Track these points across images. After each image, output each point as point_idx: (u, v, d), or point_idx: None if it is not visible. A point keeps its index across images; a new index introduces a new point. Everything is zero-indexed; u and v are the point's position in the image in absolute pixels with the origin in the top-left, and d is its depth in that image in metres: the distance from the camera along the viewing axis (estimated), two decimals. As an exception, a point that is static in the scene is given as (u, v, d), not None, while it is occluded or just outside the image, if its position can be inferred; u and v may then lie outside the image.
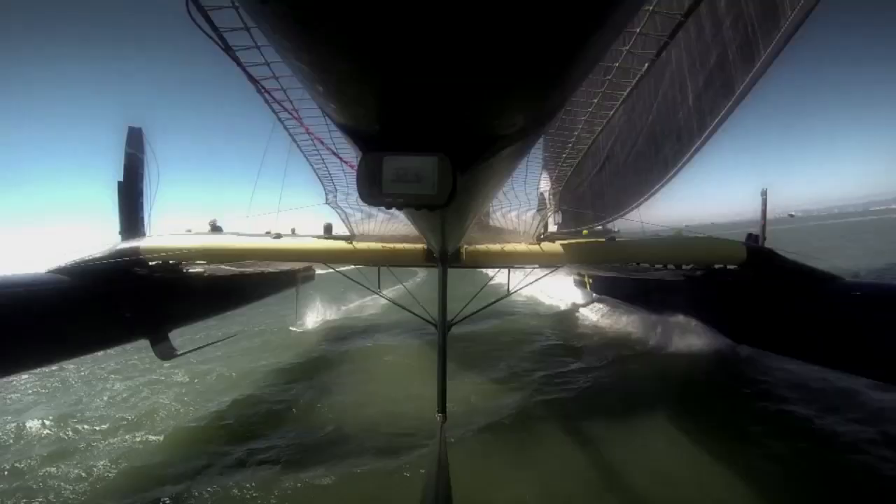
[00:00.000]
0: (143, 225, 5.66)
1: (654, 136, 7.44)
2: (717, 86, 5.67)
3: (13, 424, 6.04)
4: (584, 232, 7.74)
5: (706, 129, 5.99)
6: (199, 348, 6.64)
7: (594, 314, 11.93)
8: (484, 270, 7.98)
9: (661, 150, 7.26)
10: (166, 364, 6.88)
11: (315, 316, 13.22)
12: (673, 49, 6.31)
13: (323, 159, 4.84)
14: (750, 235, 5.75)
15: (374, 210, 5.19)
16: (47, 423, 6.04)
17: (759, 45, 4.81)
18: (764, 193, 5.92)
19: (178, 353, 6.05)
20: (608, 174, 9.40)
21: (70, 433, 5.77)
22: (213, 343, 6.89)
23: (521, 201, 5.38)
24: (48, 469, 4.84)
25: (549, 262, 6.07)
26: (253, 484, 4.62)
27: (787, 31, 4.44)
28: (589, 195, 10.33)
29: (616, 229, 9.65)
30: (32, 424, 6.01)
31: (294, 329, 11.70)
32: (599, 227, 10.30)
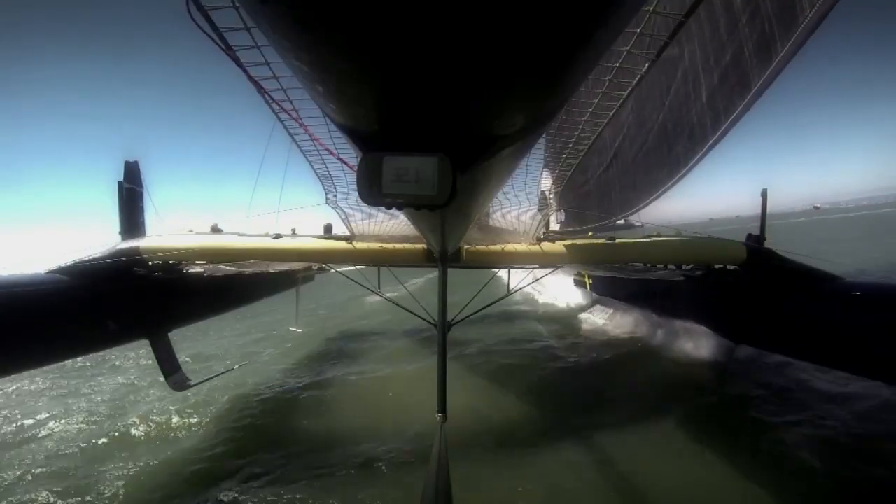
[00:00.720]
0: (142, 225, 5.66)
1: (665, 133, 7.40)
2: (732, 83, 5.64)
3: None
4: (590, 234, 7.72)
5: (721, 126, 5.96)
6: (212, 377, 6.47)
7: (594, 314, 11.93)
8: (484, 270, 7.98)
9: (673, 148, 7.23)
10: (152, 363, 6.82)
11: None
12: (686, 46, 6.28)
13: (323, 159, 4.83)
14: (750, 236, 5.73)
15: (374, 210, 5.17)
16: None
17: (777, 43, 4.78)
18: (763, 194, 5.89)
19: (192, 382, 6.02)
20: (616, 172, 9.35)
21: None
22: (226, 372, 6.72)
23: (522, 201, 5.36)
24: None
25: (550, 263, 6.06)
26: (248, 485, 4.62)
27: (808, 27, 4.41)
28: (595, 194, 10.28)
29: (640, 223, 9.54)
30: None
31: (295, 329, 11.70)
32: (622, 222, 10.20)
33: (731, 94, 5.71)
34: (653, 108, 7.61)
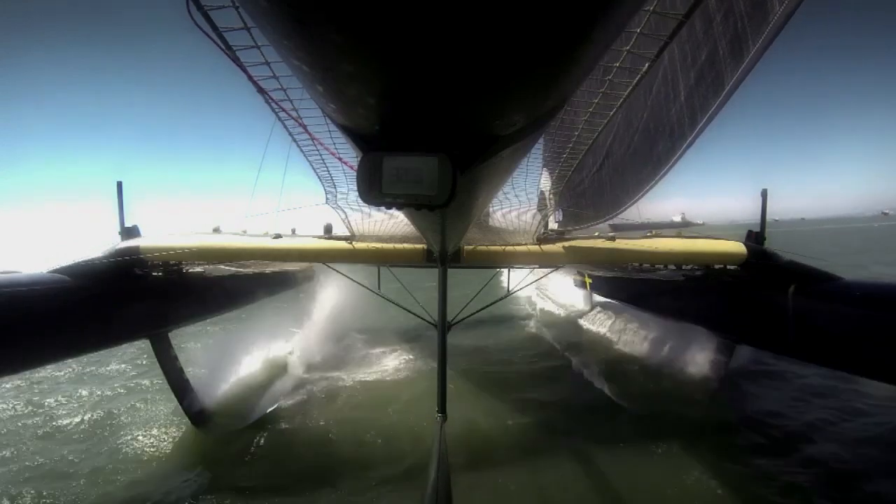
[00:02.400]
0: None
1: (648, 132, 7.45)
2: (707, 82, 5.69)
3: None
4: (596, 234, 7.75)
5: (697, 124, 6.02)
6: (246, 426, 6.16)
7: (593, 315, 11.92)
8: (484, 270, 7.98)
9: (655, 147, 7.28)
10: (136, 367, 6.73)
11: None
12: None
13: (323, 159, 4.82)
14: (750, 233, 5.73)
15: (374, 210, 5.17)
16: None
17: (749, 41, 4.80)
18: (763, 194, 5.89)
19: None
20: (608, 171, 9.38)
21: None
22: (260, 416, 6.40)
23: (521, 201, 5.36)
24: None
25: (549, 262, 6.07)
26: (245, 486, 4.62)
27: (777, 23, 4.41)
28: (590, 193, 10.31)
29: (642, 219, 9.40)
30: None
31: (295, 330, 11.67)
32: (632, 218, 10.16)
33: (706, 92, 5.76)
34: (638, 107, 7.63)
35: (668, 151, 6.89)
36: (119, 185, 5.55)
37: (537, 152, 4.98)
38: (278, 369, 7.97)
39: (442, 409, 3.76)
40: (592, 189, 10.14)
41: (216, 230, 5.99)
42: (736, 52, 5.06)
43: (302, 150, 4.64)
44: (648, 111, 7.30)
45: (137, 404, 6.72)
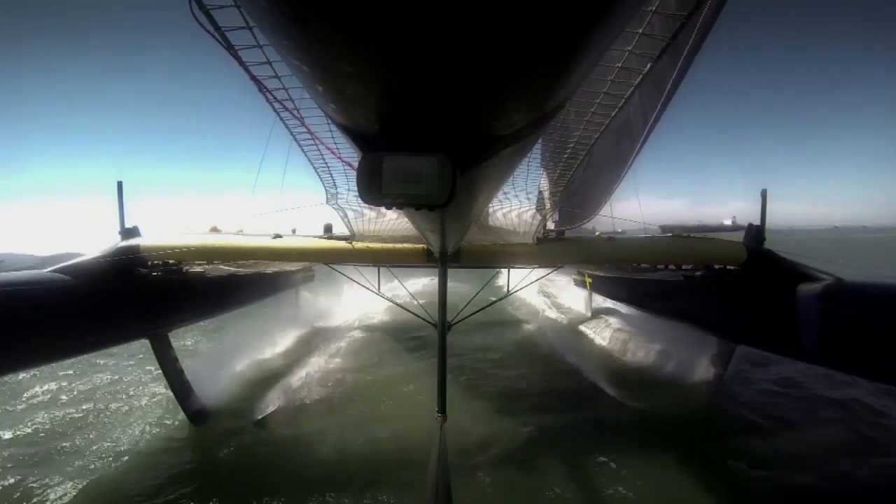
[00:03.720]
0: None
1: (617, 133, 7.49)
2: (654, 81, 5.78)
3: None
4: (598, 232, 7.70)
5: (647, 123, 6.06)
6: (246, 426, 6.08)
7: (593, 315, 11.93)
8: (484, 270, 7.99)
9: (620, 148, 7.32)
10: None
11: None
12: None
13: (324, 159, 4.83)
14: (751, 226, 5.71)
15: (374, 210, 5.17)
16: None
17: (682, 43, 4.84)
18: (763, 194, 5.88)
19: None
20: (591, 172, 9.41)
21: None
22: (266, 416, 6.44)
23: (521, 201, 5.36)
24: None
25: (549, 262, 6.08)
26: (242, 486, 4.61)
27: (702, 27, 4.42)
28: (579, 193, 10.34)
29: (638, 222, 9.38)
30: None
31: (296, 330, 11.66)
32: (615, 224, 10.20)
33: (651, 92, 5.80)
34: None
35: (627, 152, 6.96)
36: (119, 184, 5.56)
37: (537, 152, 4.98)
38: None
39: (442, 409, 3.76)
40: (582, 189, 10.18)
41: (214, 229, 5.98)
42: (673, 52, 5.10)
43: (303, 150, 4.63)
44: (618, 111, 7.37)
45: (138, 402, 6.71)
